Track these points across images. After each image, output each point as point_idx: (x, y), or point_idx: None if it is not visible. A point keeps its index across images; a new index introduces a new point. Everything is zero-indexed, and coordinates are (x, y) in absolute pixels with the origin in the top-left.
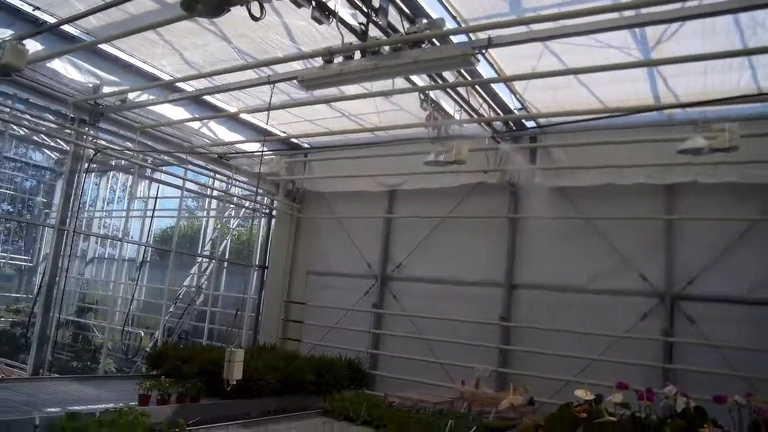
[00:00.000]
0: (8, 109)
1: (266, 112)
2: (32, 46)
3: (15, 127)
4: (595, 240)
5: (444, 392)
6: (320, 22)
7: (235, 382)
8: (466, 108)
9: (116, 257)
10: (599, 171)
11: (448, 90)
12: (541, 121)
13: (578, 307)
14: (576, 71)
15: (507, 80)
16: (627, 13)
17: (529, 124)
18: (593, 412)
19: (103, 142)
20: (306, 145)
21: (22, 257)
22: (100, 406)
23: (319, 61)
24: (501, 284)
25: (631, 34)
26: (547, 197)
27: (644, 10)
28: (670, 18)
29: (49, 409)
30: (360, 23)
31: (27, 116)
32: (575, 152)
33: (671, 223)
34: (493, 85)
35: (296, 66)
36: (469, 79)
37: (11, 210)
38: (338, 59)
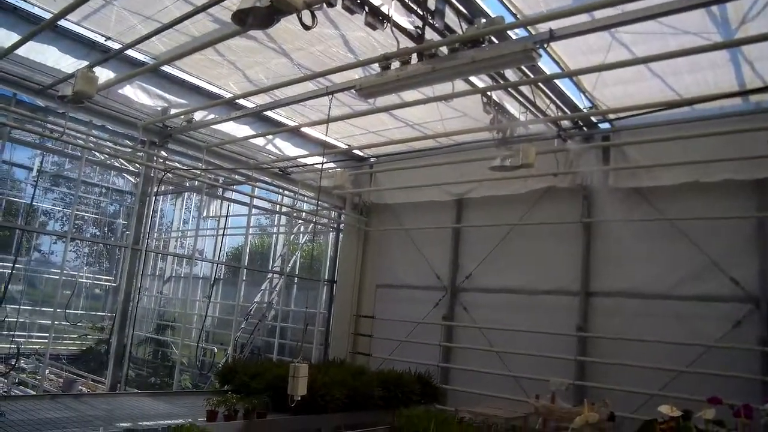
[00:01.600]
0: (84, 135)
1: (331, 126)
2: (105, 74)
3: (91, 152)
4: (678, 242)
5: (518, 407)
6: (374, 28)
7: (299, 398)
8: (532, 109)
9: (191, 275)
10: (680, 168)
11: (512, 91)
12: (614, 119)
13: (662, 314)
14: (646, 60)
15: (572, 74)
16: None
17: (602, 124)
18: (681, 429)
19: (177, 165)
20: (371, 158)
21: (107, 277)
22: (169, 421)
23: (376, 69)
24: (576, 292)
25: (710, 15)
26: (624, 199)
27: None
28: None
29: (119, 424)
30: (416, 27)
31: (101, 141)
32: (652, 149)
33: (765, 221)
34: (559, 83)
35: (355, 76)
36: (532, 77)
37: (97, 233)
38: (395, 65)
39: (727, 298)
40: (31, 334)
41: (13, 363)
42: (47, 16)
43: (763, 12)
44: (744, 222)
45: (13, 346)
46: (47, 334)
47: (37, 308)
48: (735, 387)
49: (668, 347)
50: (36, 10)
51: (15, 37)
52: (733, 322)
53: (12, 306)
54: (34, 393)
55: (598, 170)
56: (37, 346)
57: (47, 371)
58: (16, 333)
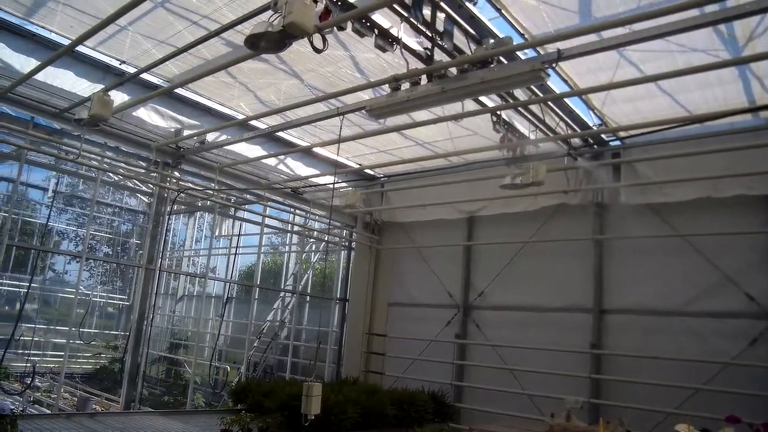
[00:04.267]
0: (99, 157)
1: (342, 146)
2: (120, 97)
3: (105, 173)
4: (691, 258)
5: (532, 425)
6: (384, 50)
7: (313, 417)
8: (542, 128)
9: (203, 294)
10: (691, 184)
11: (522, 110)
12: (624, 136)
13: (676, 331)
14: (655, 78)
15: (581, 93)
16: (709, 8)
17: (612, 142)
18: None
19: (190, 185)
20: (382, 177)
21: (121, 296)
22: None
23: (386, 90)
24: (590, 309)
25: (717, 33)
26: (635, 215)
27: (730, 2)
28: (761, 8)
29: None
30: (425, 48)
31: (115, 162)
32: (663, 166)
33: None
34: (568, 101)
35: (365, 97)
36: (541, 95)
37: (110, 252)
38: (405, 86)
39: (743, 314)
40: (46, 352)
41: (28, 381)
42: (64, 41)
43: None
44: (758, 237)
45: (28, 364)
46: (62, 353)
47: (52, 327)
48: (754, 405)
49: (684, 364)
50: (54, 36)
51: (34, 63)
52: (750, 339)
53: (27, 325)
54: (50, 412)
55: (609, 187)
56: (52, 365)
57: (62, 390)
58: (32, 351)
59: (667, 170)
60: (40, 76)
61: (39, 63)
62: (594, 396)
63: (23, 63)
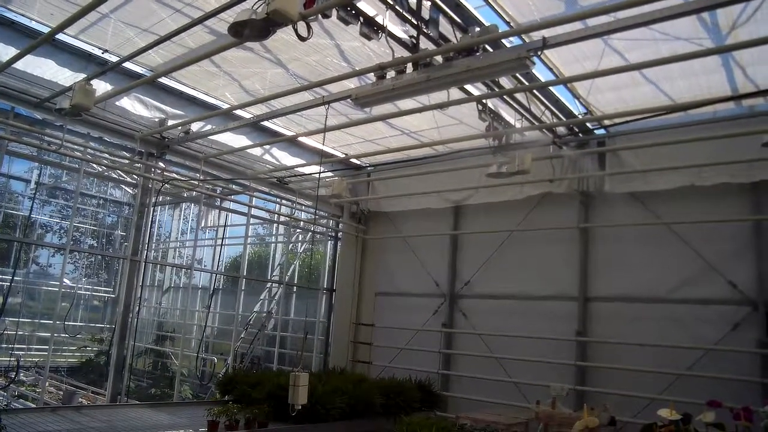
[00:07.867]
0: (82, 148)
1: (327, 135)
2: (102, 86)
3: (89, 164)
4: (675, 246)
5: (518, 413)
6: (369, 38)
7: (300, 407)
8: (527, 116)
9: (190, 286)
10: (675, 173)
11: (508, 99)
12: (609, 124)
13: (660, 318)
14: (639, 66)
15: (566, 81)
16: None
17: (597, 130)
18: None
19: (175, 175)
20: (368, 166)
21: (106, 289)
22: None
23: (372, 79)
24: (575, 297)
25: (701, 22)
26: (620, 204)
27: None
28: None
29: None
30: (411, 36)
31: (99, 153)
32: (647, 154)
33: (761, 224)
34: (554, 90)
35: (351, 85)
36: (527, 84)
37: (95, 244)
38: (391, 74)
39: (725, 301)
40: (31, 346)
41: (12, 376)
42: (45, 29)
43: (752, 17)
44: (741, 225)
45: (12, 359)
46: (47, 347)
47: (36, 320)
48: (734, 390)
49: (667, 351)
50: (34, 24)
51: (13, 51)
52: (732, 325)
53: (11, 318)
54: (35, 406)
55: (594, 176)
56: (37, 359)
57: (47, 384)
58: (16, 346)
59: (651, 159)
60: (20, 65)
61: (18, 51)
62: (579, 383)
63: (2, 51)
